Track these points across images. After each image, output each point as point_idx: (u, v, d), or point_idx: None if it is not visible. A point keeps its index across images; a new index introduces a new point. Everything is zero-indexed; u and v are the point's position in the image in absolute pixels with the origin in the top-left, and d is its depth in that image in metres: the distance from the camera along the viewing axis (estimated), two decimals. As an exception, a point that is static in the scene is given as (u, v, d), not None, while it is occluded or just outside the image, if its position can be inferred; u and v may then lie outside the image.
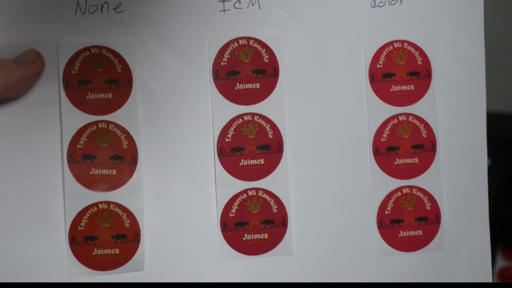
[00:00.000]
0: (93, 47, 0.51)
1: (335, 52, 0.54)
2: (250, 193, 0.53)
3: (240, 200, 0.53)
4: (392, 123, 0.54)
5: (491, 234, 0.56)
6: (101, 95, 0.51)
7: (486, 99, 0.55)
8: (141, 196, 0.51)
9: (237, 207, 0.53)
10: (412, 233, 0.55)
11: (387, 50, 0.54)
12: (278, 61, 0.53)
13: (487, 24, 0.55)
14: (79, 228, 0.50)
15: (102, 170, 0.51)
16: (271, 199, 0.53)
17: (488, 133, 0.55)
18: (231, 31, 0.52)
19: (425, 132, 0.55)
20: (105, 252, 0.51)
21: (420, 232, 0.55)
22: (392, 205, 0.54)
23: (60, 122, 0.50)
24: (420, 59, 0.55)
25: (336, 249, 0.54)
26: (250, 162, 0.53)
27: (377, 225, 0.54)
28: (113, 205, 0.51)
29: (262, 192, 0.53)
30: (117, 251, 0.51)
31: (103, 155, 0.51)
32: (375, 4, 0.54)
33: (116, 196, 0.51)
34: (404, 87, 0.55)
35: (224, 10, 0.52)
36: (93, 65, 0.51)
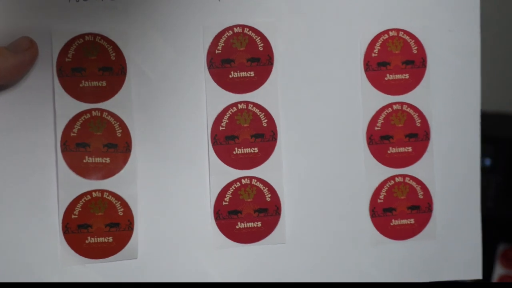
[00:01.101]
0: (87, 34, 0.50)
1: (330, 40, 0.53)
2: (243, 181, 0.53)
3: (234, 188, 0.53)
4: (386, 112, 0.54)
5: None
6: (95, 83, 0.50)
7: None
8: (134, 184, 0.51)
9: (230, 196, 0.53)
10: (404, 221, 0.55)
11: (383, 38, 0.54)
12: (273, 49, 0.53)
13: (483, 13, 0.55)
14: (73, 216, 0.50)
15: (96, 158, 0.51)
16: (264, 187, 0.53)
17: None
18: (226, 19, 0.52)
19: (419, 121, 0.55)
20: (98, 241, 0.51)
21: (412, 221, 0.55)
22: (385, 193, 0.55)
23: (53, 110, 0.50)
24: (416, 47, 0.55)
25: (329, 237, 0.54)
26: (244, 150, 0.53)
27: (370, 214, 0.54)
28: (107, 194, 0.51)
29: (255, 180, 0.53)
30: (110, 239, 0.51)
31: (97, 143, 0.51)
32: (370, -8, 0.54)
33: (109, 184, 0.51)
34: (399, 76, 0.55)
35: (219, -2, 0.52)
36: (87, 53, 0.50)
